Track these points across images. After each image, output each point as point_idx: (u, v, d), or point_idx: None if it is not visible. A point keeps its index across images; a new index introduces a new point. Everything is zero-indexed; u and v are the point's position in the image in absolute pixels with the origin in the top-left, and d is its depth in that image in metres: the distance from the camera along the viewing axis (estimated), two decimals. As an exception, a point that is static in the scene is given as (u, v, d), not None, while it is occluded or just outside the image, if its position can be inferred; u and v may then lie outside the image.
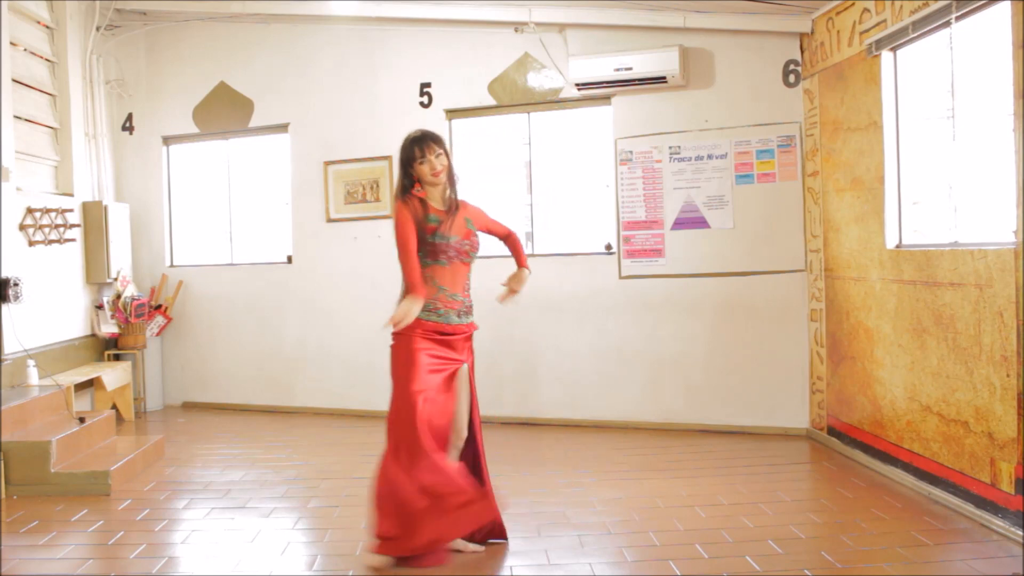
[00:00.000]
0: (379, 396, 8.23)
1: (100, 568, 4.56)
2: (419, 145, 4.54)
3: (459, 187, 4.67)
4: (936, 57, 5.38)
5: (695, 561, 4.38)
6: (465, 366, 4.63)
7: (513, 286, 4.82)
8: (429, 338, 4.48)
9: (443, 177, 4.54)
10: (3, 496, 5.84)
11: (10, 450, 5.95)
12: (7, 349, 6.94)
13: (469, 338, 4.68)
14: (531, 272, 4.93)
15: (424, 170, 4.52)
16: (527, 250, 7.91)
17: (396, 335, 4.54)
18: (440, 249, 4.47)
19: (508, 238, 4.95)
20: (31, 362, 7.12)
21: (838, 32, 6.38)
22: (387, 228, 8.21)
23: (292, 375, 8.72)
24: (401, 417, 4.42)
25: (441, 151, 4.56)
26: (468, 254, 4.56)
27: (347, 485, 6.03)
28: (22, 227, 7.33)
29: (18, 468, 5.95)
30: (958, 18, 4.97)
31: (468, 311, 4.61)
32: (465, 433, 4.66)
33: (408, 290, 4.44)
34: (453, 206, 4.58)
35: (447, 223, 4.50)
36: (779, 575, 4.18)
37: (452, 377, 4.57)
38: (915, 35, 5.35)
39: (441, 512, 4.29)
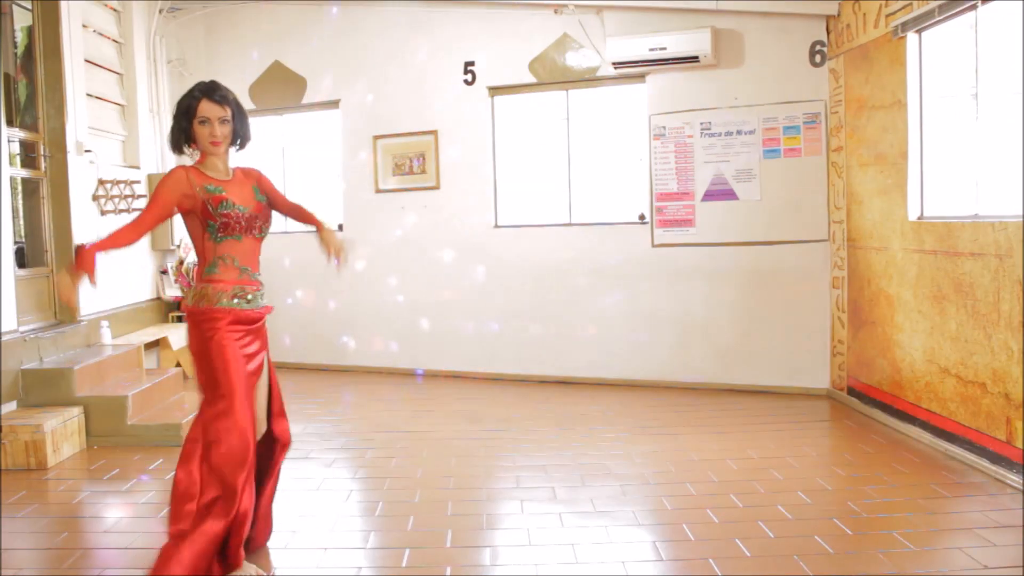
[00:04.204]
0: (424, 356, 8.45)
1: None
2: (208, 97, 3.64)
3: (249, 151, 3.88)
4: (961, 38, 5.38)
5: (731, 510, 4.50)
6: (265, 354, 3.90)
7: (329, 250, 3.90)
8: (238, 330, 3.67)
9: (223, 148, 3.71)
10: (84, 445, 6.05)
11: (90, 404, 6.15)
12: (83, 311, 7.12)
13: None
14: (332, 227, 4.01)
15: (203, 133, 3.65)
16: (565, 219, 7.99)
17: (197, 325, 3.67)
18: (233, 220, 3.64)
19: (295, 210, 4.04)
20: (104, 323, 7.30)
21: (864, 14, 6.38)
22: (432, 199, 8.38)
23: (343, 336, 8.87)
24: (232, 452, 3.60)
25: (227, 116, 3.67)
26: (261, 229, 3.78)
27: (400, 438, 6.19)
28: (95, 197, 7.49)
29: (98, 420, 6.16)
30: (984, 0, 4.98)
31: (263, 291, 3.83)
32: (263, 427, 3.96)
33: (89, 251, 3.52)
34: (237, 174, 3.81)
35: (234, 191, 3.69)
36: (810, 520, 4.30)
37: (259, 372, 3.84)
38: (941, 17, 5.35)
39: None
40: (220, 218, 3.60)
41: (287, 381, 8.36)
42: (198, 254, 3.71)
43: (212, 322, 3.60)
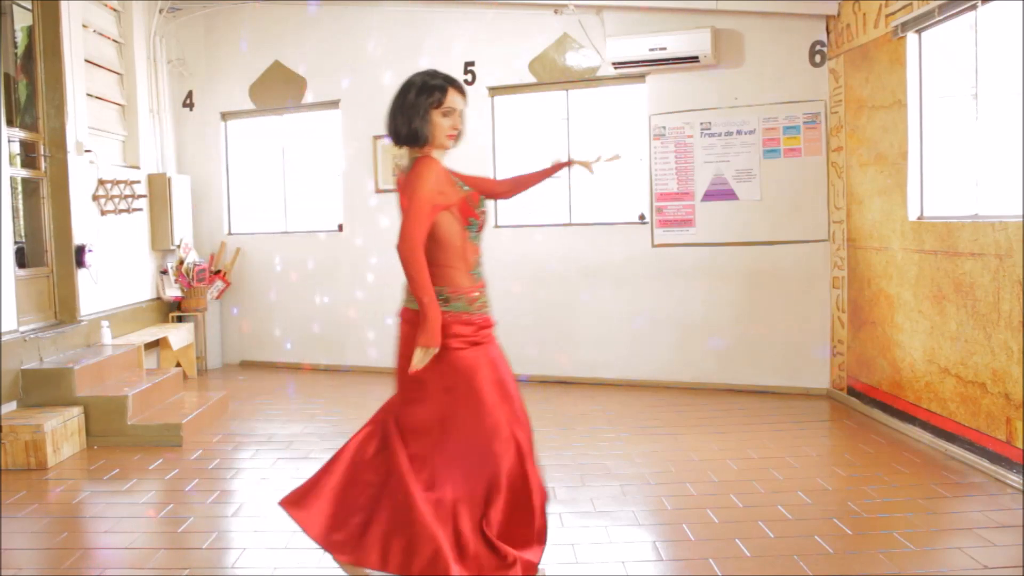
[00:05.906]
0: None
1: (181, 511, 4.74)
2: (454, 86, 3.35)
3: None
4: (960, 38, 5.38)
5: (731, 510, 4.50)
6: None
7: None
8: (485, 337, 3.40)
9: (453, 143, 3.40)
10: (84, 445, 6.05)
11: (90, 404, 6.15)
12: (83, 311, 7.12)
13: None
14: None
15: (444, 125, 3.32)
16: (565, 219, 8.00)
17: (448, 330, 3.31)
18: (484, 218, 3.44)
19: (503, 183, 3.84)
20: (104, 323, 7.30)
21: (864, 15, 6.38)
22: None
23: (342, 336, 8.86)
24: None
25: (464, 108, 3.39)
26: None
27: (401, 438, 6.17)
28: (95, 197, 7.48)
29: (98, 420, 6.16)
30: (984, 0, 4.98)
31: None
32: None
33: (429, 306, 3.20)
34: None
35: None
36: (810, 520, 4.30)
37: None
38: (941, 17, 5.35)
39: None
40: (481, 216, 3.38)
41: (287, 381, 8.40)
42: (443, 256, 3.34)
43: (462, 325, 3.33)
